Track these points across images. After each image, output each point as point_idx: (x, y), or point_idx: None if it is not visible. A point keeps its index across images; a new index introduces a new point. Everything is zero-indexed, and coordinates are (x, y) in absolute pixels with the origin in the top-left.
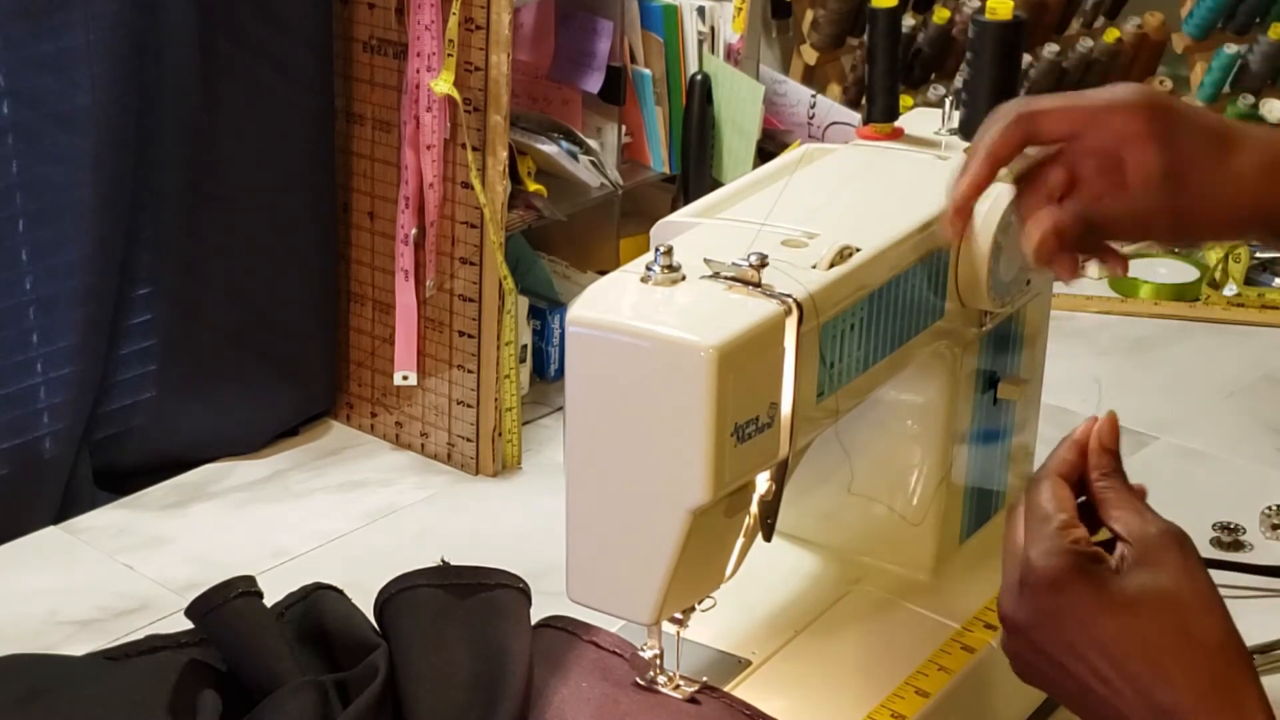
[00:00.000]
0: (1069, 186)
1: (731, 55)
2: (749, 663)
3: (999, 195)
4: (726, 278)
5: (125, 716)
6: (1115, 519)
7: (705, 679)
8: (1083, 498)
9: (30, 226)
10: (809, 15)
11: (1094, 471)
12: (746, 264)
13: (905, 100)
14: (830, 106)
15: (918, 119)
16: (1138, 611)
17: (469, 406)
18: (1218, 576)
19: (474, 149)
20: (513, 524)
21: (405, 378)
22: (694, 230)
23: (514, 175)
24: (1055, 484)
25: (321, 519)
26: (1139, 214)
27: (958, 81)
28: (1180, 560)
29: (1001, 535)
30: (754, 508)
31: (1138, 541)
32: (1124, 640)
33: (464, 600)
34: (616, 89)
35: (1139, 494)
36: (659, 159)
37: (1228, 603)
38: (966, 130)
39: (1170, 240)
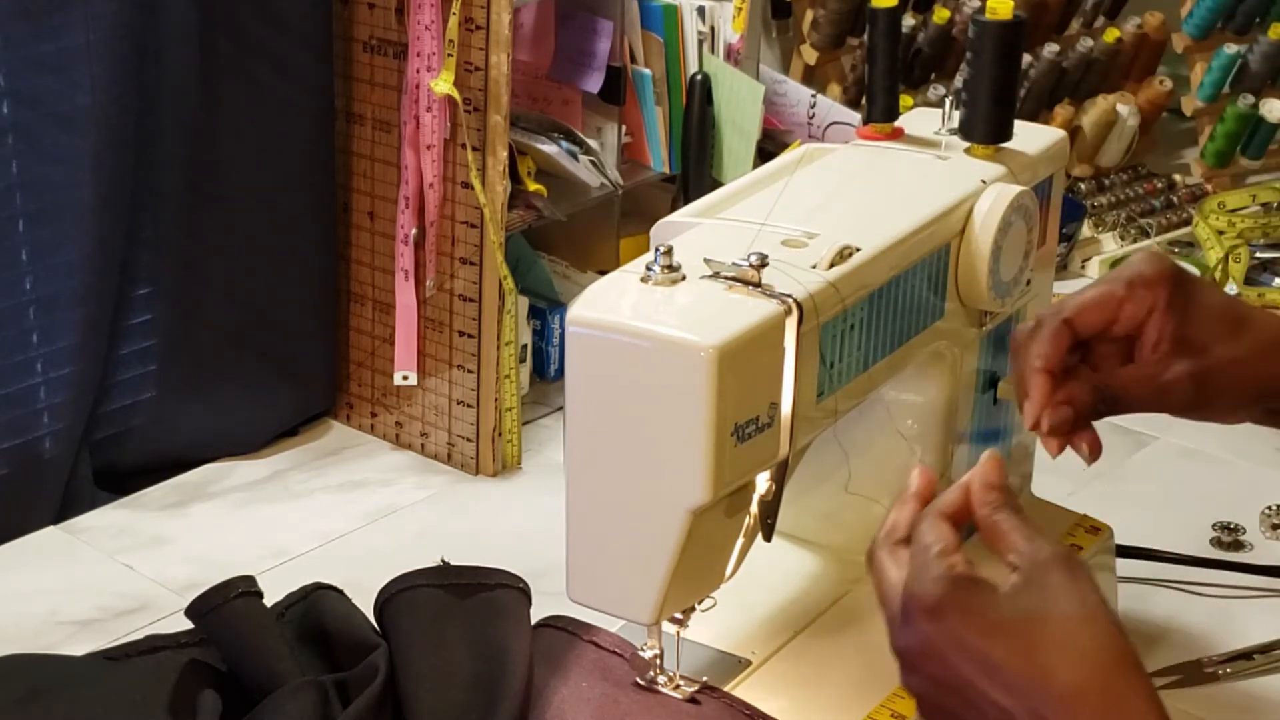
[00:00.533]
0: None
1: (731, 55)
2: (749, 663)
3: (999, 195)
4: (726, 278)
5: (125, 716)
6: (1005, 546)
7: (705, 679)
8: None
9: (30, 226)
10: (809, 15)
11: (983, 508)
12: (746, 264)
13: (905, 100)
14: (830, 106)
15: (918, 119)
16: (1023, 632)
17: (469, 406)
18: (1217, 576)
19: (474, 149)
20: (513, 524)
21: (405, 378)
22: (694, 230)
23: (514, 175)
24: (934, 519)
25: (321, 519)
26: (1156, 383)
27: (958, 81)
28: (1067, 579)
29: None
30: (754, 508)
31: (1025, 564)
32: (1013, 663)
33: (464, 600)
34: (616, 89)
35: (1030, 523)
36: (659, 159)
37: (1228, 603)
38: (966, 130)
39: (1185, 411)
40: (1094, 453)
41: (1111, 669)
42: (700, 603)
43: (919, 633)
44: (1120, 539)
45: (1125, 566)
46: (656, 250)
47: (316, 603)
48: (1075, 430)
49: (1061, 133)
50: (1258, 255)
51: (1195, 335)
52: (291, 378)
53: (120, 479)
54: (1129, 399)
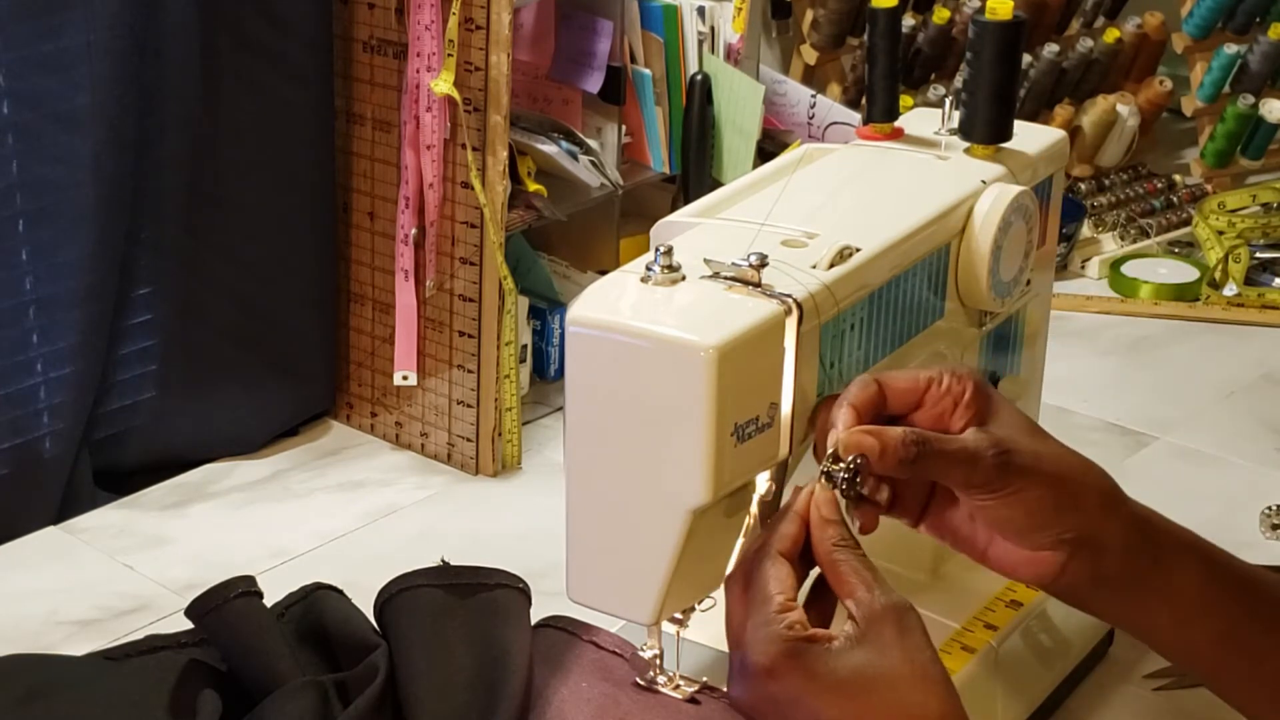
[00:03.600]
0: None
1: (731, 55)
2: None
3: (999, 195)
4: (726, 278)
5: (125, 716)
6: (844, 591)
7: (705, 679)
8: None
9: (30, 226)
10: (809, 15)
11: (824, 544)
12: (746, 264)
13: (905, 100)
14: (830, 106)
15: (918, 119)
16: (854, 694)
17: (469, 406)
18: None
19: (474, 149)
20: (513, 524)
21: (405, 378)
22: (694, 230)
23: (514, 175)
24: (776, 563)
25: (321, 519)
26: (965, 447)
27: (958, 81)
28: (896, 636)
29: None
30: (754, 508)
31: (862, 618)
32: None
33: (464, 600)
34: (616, 89)
35: (869, 566)
36: (659, 159)
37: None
38: (966, 130)
39: (986, 489)
40: (865, 527)
41: None
42: (700, 603)
43: (755, 691)
44: None
45: None
46: (656, 250)
47: (316, 603)
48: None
49: (1061, 133)
50: (1258, 255)
51: (997, 431)
52: (291, 378)
53: (120, 479)
54: (938, 467)
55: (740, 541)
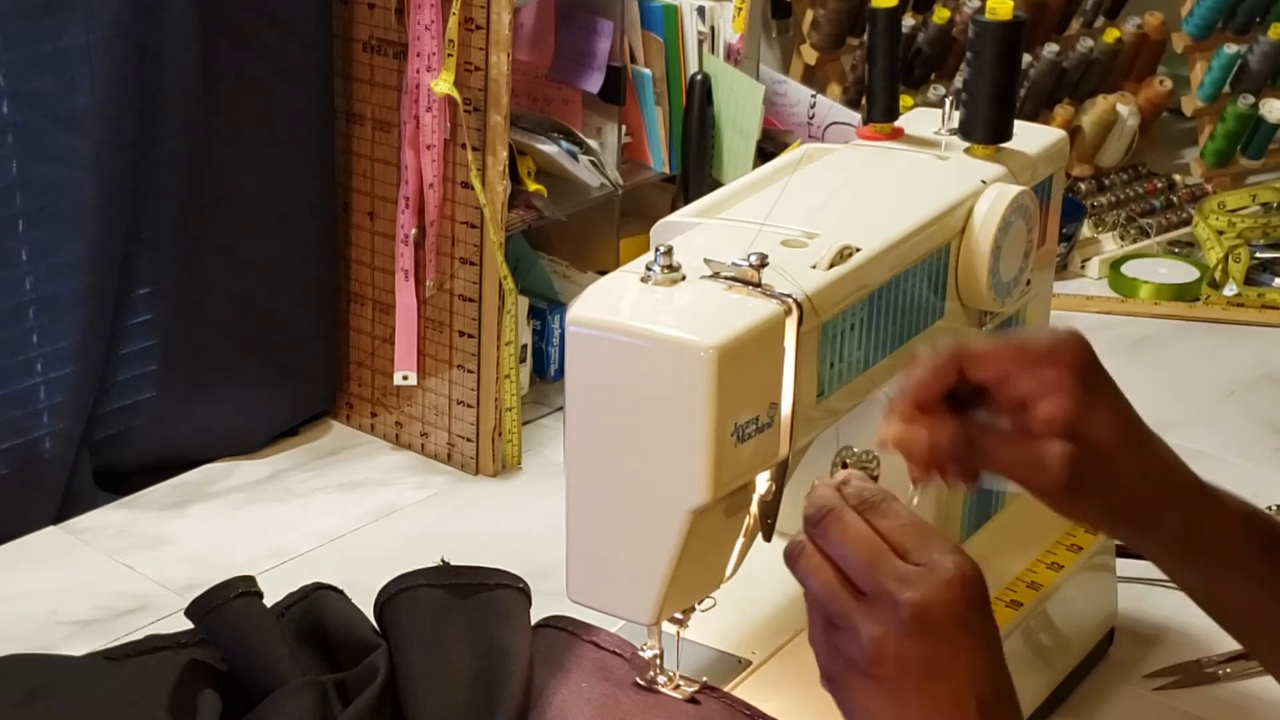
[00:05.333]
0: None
1: (731, 55)
2: (749, 663)
3: (999, 195)
4: (726, 278)
5: (125, 716)
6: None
7: (705, 679)
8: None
9: (30, 226)
10: (809, 15)
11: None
12: (746, 264)
13: (905, 100)
14: (830, 106)
15: (918, 119)
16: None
17: (469, 406)
18: None
19: (474, 149)
20: (513, 524)
21: (405, 378)
22: (694, 230)
23: (514, 175)
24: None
25: (321, 519)
26: (1032, 455)
27: (958, 81)
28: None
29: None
30: (754, 508)
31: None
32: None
33: (464, 600)
34: (616, 89)
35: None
36: (659, 159)
37: None
38: (966, 130)
39: (1050, 497)
40: (970, 486)
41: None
42: (700, 603)
43: (926, 643)
44: None
45: (1125, 566)
46: (656, 250)
47: (316, 603)
48: (942, 467)
49: (1061, 133)
50: (1258, 255)
51: (1089, 431)
52: (291, 378)
53: (120, 479)
54: (998, 460)
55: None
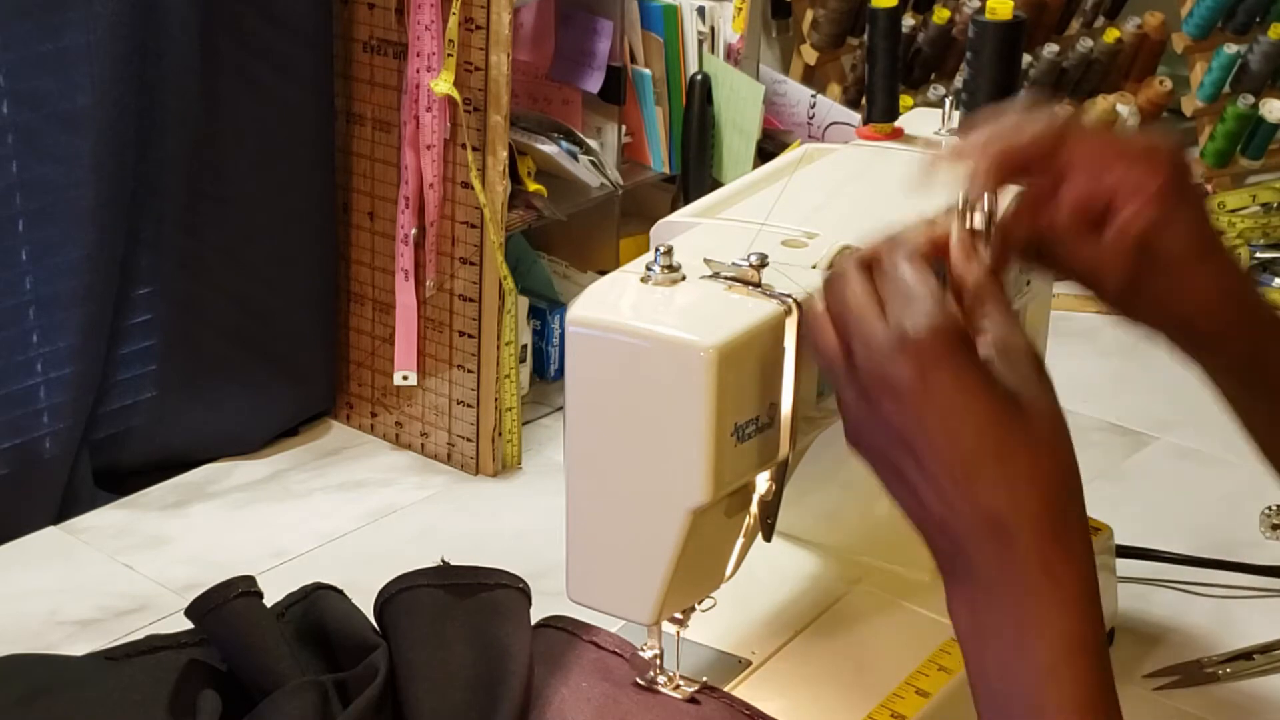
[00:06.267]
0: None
1: (731, 55)
2: (749, 663)
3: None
4: (726, 278)
5: (125, 716)
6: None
7: (705, 679)
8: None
9: (30, 226)
10: (809, 15)
11: (971, 274)
12: (746, 264)
13: (905, 100)
14: (830, 106)
15: (918, 119)
16: (1003, 403)
17: (469, 406)
18: (1217, 576)
19: (474, 149)
20: (513, 524)
21: (405, 378)
22: (694, 230)
23: (514, 175)
24: (920, 262)
25: (321, 519)
26: (1098, 253)
27: (958, 81)
28: (1039, 373)
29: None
30: (754, 508)
31: (998, 349)
32: (982, 434)
33: (464, 600)
34: (616, 89)
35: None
36: (659, 159)
37: (1228, 603)
38: (967, 131)
39: (1110, 297)
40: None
41: (1061, 484)
42: (700, 603)
43: (884, 366)
44: (1120, 539)
45: (1125, 566)
46: (656, 250)
47: (316, 603)
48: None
49: None
50: (1258, 255)
51: (1167, 239)
52: (291, 378)
53: (120, 479)
54: (1062, 255)
55: (740, 542)
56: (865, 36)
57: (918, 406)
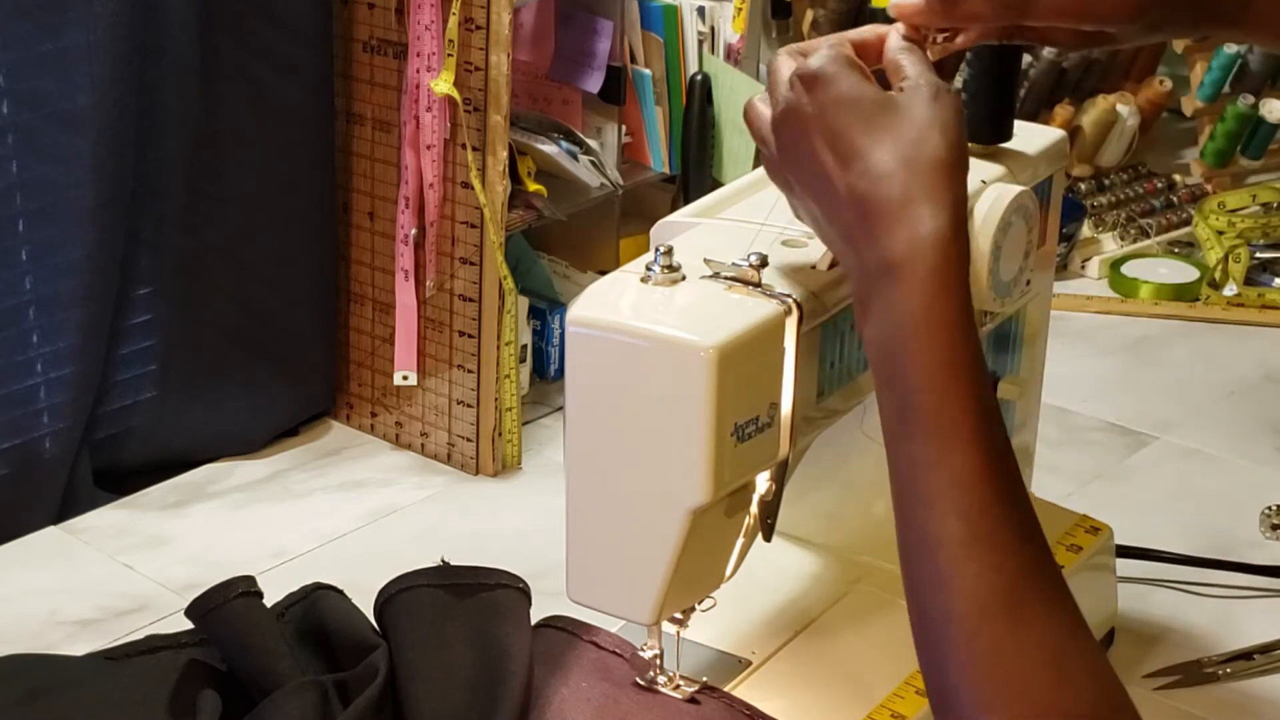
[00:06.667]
0: None
1: (731, 55)
2: (749, 663)
3: (999, 195)
4: (726, 278)
5: (125, 716)
6: (898, 76)
7: (705, 679)
8: None
9: (30, 226)
10: (809, 15)
11: (891, 44)
12: (746, 264)
13: None
14: None
15: None
16: (878, 111)
17: (469, 406)
18: (1217, 576)
19: (474, 149)
20: (513, 524)
21: (405, 378)
22: (694, 230)
23: (514, 175)
24: (838, 40)
25: (321, 519)
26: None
27: (958, 81)
28: (930, 96)
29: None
30: (754, 508)
31: (907, 85)
32: (857, 139)
33: (464, 600)
34: (616, 89)
35: (927, 61)
36: (659, 159)
37: (1228, 603)
38: (968, 131)
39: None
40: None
41: (938, 170)
42: (700, 603)
43: (791, 101)
44: (1120, 539)
45: (1125, 566)
46: (656, 250)
47: (316, 603)
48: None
49: (1061, 133)
50: (1258, 255)
51: None
52: (291, 378)
53: (120, 479)
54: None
55: (740, 542)
56: None
57: (816, 123)
